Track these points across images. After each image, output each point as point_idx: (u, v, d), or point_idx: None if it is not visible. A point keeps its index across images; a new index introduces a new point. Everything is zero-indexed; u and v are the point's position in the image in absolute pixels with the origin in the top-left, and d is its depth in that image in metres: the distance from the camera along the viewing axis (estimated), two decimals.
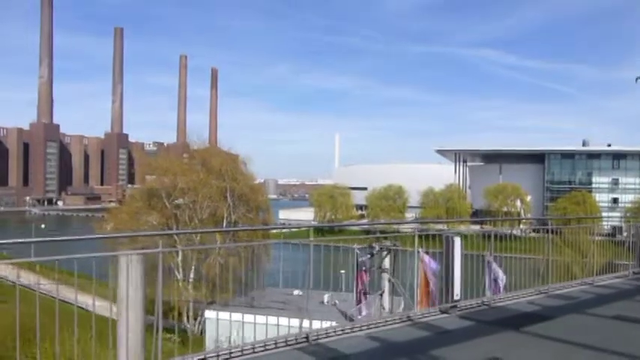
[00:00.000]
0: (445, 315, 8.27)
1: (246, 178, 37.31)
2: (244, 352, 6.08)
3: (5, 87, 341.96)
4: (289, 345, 6.48)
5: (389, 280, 15.49)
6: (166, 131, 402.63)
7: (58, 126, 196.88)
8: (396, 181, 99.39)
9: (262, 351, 6.23)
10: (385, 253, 15.04)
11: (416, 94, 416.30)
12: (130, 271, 6.38)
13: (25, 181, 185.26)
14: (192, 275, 35.06)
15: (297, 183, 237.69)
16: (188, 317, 34.81)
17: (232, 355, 6.03)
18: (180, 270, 34.22)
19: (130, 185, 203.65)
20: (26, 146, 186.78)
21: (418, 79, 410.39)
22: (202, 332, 29.71)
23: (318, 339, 6.72)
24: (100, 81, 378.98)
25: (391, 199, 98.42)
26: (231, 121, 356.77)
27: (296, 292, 30.48)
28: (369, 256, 14.58)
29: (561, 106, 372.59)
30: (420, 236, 8.86)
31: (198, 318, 34.29)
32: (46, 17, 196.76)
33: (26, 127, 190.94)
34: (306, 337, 6.68)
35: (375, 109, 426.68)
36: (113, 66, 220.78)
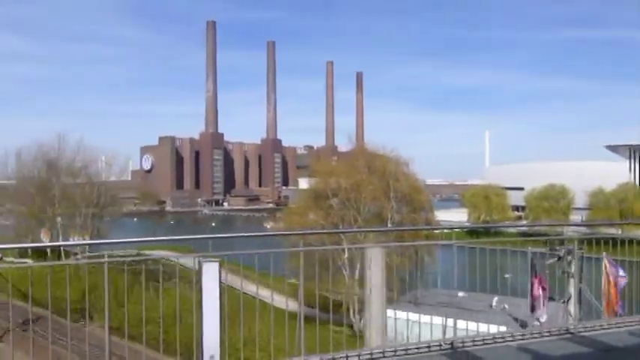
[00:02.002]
0: None
1: (409, 178, 38.08)
2: (409, 352, 6.22)
3: (179, 102, 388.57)
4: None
5: (576, 286, 14.91)
6: (315, 134, 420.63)
7: (222, 134, 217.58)
8: (556, 180, 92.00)
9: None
10: (571, 257, 14.53)
11: (572, 84, 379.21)
12: (374, 262, 7.51)
13: (197, 184, 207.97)
14: (357, 273, 36.85)
15: (446, 183, 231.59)
16: (354, 312, 36.60)
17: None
18: (347, 267, 36.23)
19: (284, 187, 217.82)
20: (197, 154, 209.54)
21: (573, 68, 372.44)
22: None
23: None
24: (255, 90, 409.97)
25: (553, 199, 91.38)
26: (376, 122, 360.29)
27: (460, 293, 30.34)
28: (555, 259, 14.16)
29: None
30: (599, 240, 8.56)
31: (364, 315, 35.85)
32: (211, 38, 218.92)
33: (196, 136, 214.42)
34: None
35: (526, 104, 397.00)
36: (267, 76, 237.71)
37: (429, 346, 6.31)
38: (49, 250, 50.94)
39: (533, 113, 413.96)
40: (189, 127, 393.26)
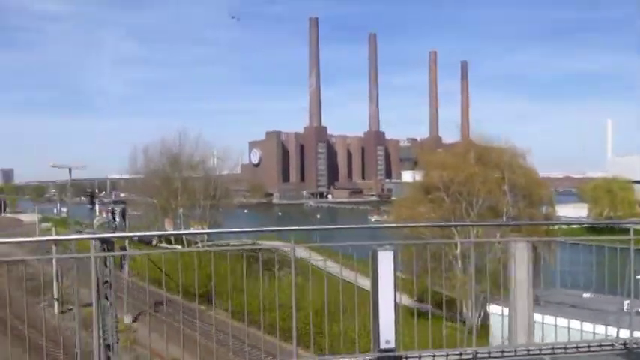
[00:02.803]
0: None
1: (526, 171, 36.14)
2: (579, 350, 5.94)
3: (284, 98, 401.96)
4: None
5: None
6: (418, 127, 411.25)
7: (325, 128, 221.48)
8: None
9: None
10: None
11: None
12: (519, 256, 7.32)
13: (302, 177, 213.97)
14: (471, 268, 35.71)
15: (561, 176, 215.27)
16: (468, 309, 35.60)
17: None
18: (459, 262, 35.36)
19: (387, 180, 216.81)
20: (302, 147, 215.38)
21: None
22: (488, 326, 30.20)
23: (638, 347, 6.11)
24: (357, 84, 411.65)
25: None
26: (482, 112, 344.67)
27: (585, 294, 28.47)
28: None
29: None
30: None
31: (479, 311, 34.84)
32: (314, 34, 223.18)
33: (301, 131, 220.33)
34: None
35: None
36: (369, 69, 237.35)
37: (600, 345, 6.09)
38: (173, 238, 55.48)
39: None
40: (294, 122, 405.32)
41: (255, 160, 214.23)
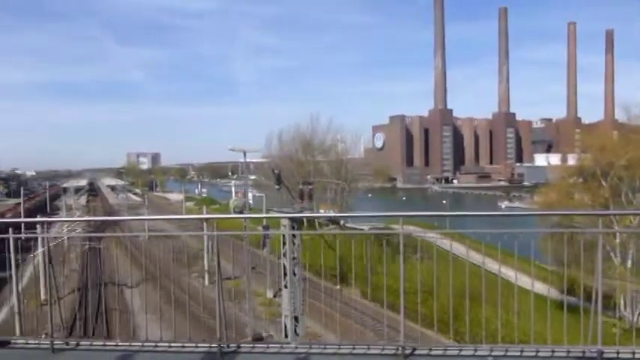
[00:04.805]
0: None
1: None
2: None
3: (408, 80, 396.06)
4: None
5: None
6: (554, 106, 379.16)
7: (451, 111, 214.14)
8: None
9: None
10: None
11: None
12: None
13: (426, 161, 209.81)
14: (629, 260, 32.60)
15: None
16: (625, 305, 32.66)
17: None
18: (618, 253, 32.41)
19: (518, 164, 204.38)
20: (426, 131, 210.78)
21: None
22: None
23: None
24: (485, 63, 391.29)
25: None
26: (631, 88, 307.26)
27: None
28: None
29: None
30: None
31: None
32: (439, 12, 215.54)
33: (425, 114, 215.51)
34: None
35: None
36: (499, 46, 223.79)
37: None
38: (305, 220, 57.75)
39: None
40: (419, 105, 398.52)
41: (378, 144, 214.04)
